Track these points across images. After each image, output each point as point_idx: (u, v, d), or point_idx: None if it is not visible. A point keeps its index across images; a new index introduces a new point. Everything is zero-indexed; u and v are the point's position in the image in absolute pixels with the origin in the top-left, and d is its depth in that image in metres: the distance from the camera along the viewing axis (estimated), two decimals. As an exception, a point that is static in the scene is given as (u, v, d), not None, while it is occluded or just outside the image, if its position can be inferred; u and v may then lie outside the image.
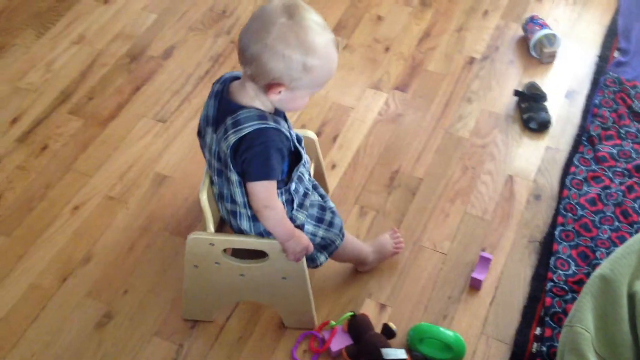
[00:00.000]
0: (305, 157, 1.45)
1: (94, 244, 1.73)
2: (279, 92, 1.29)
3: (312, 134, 1.64)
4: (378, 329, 1.56)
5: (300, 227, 1.46)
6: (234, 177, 1.35)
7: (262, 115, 1.31)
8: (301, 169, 1.44)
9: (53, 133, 1.97)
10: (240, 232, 1.45)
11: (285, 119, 1.41)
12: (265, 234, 1.43)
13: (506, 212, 1.81)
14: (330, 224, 1.52)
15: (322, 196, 1.54)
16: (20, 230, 1.76)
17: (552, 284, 1.64)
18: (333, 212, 1.53)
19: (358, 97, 2.08)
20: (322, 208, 1.52)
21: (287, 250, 1.41)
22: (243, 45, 1.27)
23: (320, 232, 1.51)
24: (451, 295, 1.65)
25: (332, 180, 1.87)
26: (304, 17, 1.24)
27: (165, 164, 1.90)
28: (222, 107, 1.35)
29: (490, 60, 2.18)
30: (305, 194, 1.48)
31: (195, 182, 1.84)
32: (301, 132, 1.60)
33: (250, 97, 1.32)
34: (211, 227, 1.44)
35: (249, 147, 1.30)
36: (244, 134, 1.30)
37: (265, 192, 1.35)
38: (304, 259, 1.46)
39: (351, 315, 1.57)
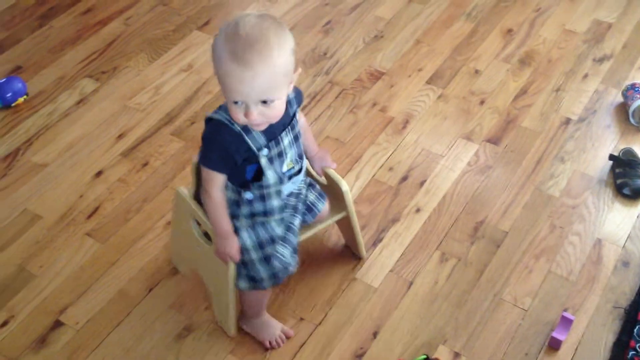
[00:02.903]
0: (270, 181, 1.43)
1: (182, 259, 1.80)
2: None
3: (344, 186, 1.61)
4: (450, 376, 1.55)
5: (236, 230, 1.48)
6: None
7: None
8: (269, 190, 1.44)
9: (155, 151, 2.08)
10: None
11: (270, 137, 1.41)
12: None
13: (592, 275, 1.77)
14: (267, 259, 1.49)
15: (286, 240, 1.51)
16: (115, 239, 1.85)
17: (633, 352, 1.59)
18: (278, 259, 1.49)
19: (449, 145, 2.10)
20: (273, 241, 1.50)
21: (215, 244, 1.48)
22: None
23: (254, 256, 1.49)
24: (528, 353, 1.62)
25: (416, 224, 1.89)
26: (230, 22, 1.29)
27: (256, 191, 1.97)
28: None
29: (587, 123, 2.16)
30: (265, 214, 1.48)
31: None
32: (337, 180, 1.60)
33: None
34: (192, 191, 1.57)
35: (205, 130, 1.42)
36: (209, 117, 1.41)
37: (206, 176, 1.43)
38: (232, 267, 1.49)
39: (424, 358, 1.56)
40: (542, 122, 2.17)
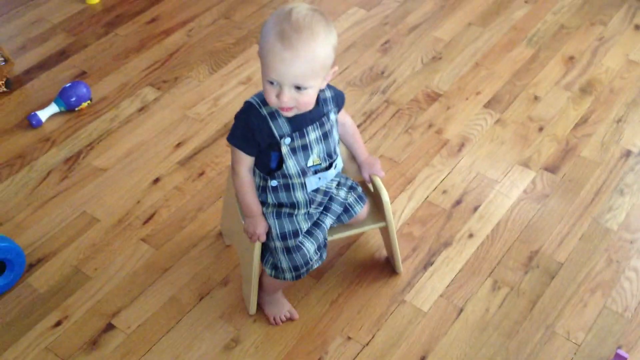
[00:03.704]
0: (291, 170, 1.47)
1: (233, 269, 1.81)
2: None
3: (385, 196, 1.61)
4: (498, 407, 1.53)
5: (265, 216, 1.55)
6: None
7: (263, 99, 1.43)
8: (292, 181, 1.49)
9: (211, 162, 2.10)
10: None
11: (299, 131, 1.45)
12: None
13: (649, 313, 1.73)
14: (288, 250, 1.53)
15: (313, 235, 1.55)
16: (169, 246, 1.88)
17: (693, 397, 1.54)
18: (301, 252, 1.53)
19: (505, 171, 2.08)
20: (296, 234, 1.53)
21: (244, 223, 1.55)
22: None
23: (277, 245, 1.54)
24: (580, 388, 1.59)
25: (468, 249, 1.87)
26: (285, 7, 1.34)
27: (309, 207, 1.98)
28: None
29: (648, 156, 2.12)
30: (292, 206, 1.52)
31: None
32: (379, 189, 1.61)
33: None
34: None
35: (238, 110, 1.50)
36: (246, 100, 1.48)
37: (232, 154, 1.51)
38: (257, 246, 1.55)
39: (473, 387, 1.54)
40: (602, 153, 2.13)
